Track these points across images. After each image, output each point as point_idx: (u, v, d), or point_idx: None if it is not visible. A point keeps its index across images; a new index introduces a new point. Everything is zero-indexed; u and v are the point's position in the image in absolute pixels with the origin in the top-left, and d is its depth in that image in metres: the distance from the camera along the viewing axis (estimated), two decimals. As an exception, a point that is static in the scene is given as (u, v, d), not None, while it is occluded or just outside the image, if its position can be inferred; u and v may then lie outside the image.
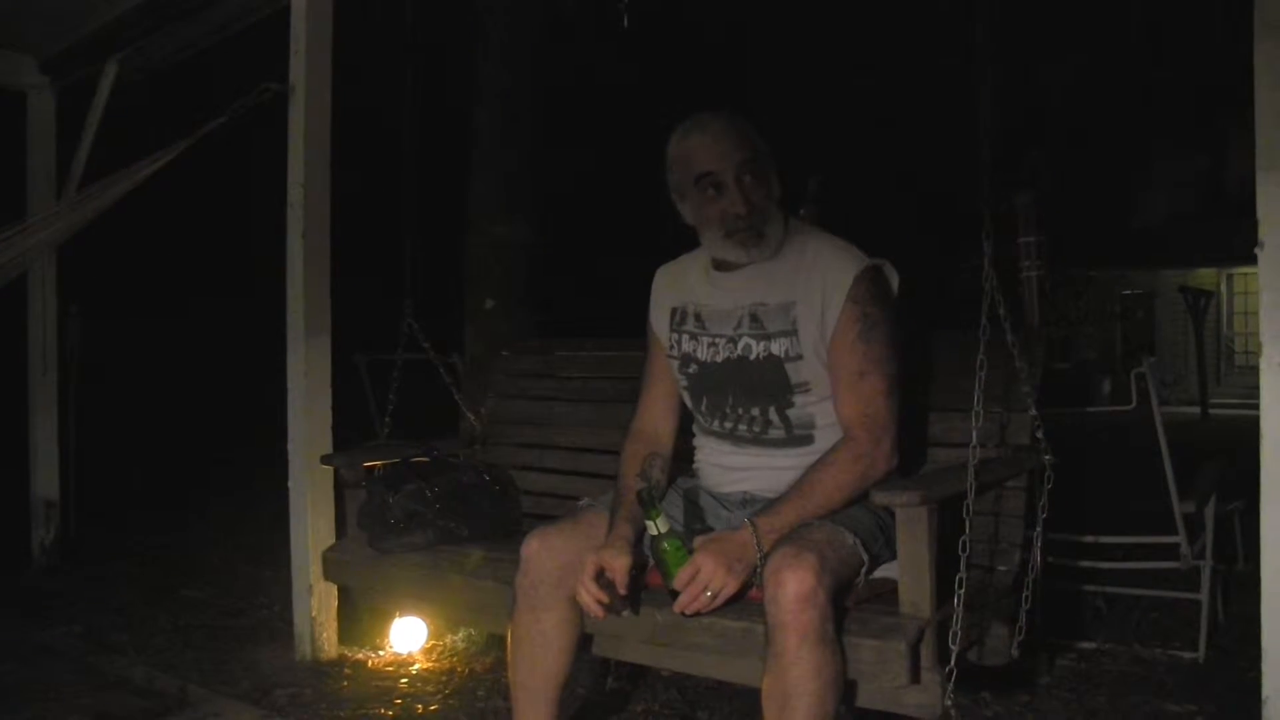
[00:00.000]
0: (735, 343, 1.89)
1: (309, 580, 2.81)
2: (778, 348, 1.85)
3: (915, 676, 1.62)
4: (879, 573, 1.75)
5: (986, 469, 1.76)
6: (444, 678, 2.72)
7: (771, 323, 1.86)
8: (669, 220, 1.98)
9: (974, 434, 1.71)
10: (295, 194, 2.84)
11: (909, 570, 1.65)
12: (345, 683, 2.70)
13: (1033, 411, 1.93)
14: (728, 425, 1.93)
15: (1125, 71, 14.05)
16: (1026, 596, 1.85)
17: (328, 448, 2.82)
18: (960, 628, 1.63)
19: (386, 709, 2.52)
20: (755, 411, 1.88)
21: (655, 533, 1.66)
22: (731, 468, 1.94)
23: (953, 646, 1.63)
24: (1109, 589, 3.19)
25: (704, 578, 1.63)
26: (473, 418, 2.84)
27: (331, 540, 2.74)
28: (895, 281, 1.88)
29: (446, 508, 2.35)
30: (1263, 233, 1.54)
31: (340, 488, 2.62)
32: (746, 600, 1.68)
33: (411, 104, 2.96)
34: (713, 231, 1.87)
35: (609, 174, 8.98)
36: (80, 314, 4.55)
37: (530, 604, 1.85)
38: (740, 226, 1.83)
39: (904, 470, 1.86)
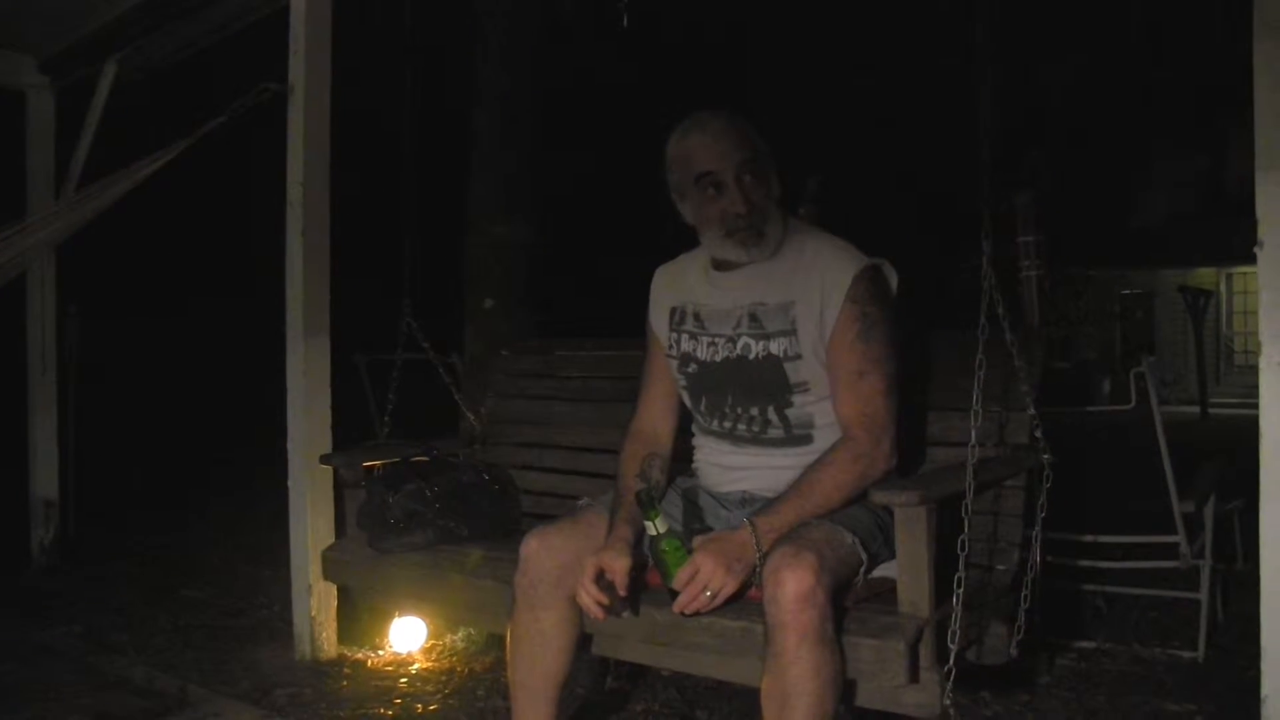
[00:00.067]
0: (734, 342, 1.89)
1: (308, 580, 2.81)
2: (777, 347, 1.85)
3: (914, 676, 1.62)
4: (878, 572, 1.75)
5: (985, 468, 1.76)
6: (444, 677, 2.72)
7: (770, 322, 1.86)
8: (669, 220, 1.98)
9: (973, 433, 1.71)
10: (295, 193, 2.84)
11: (908, 569, 1.65)
12: (345, 682, 2.70)
13: (1032, 411, 1.93)
14: (727, 425, 1.93)
15: (1125, 71, 14.05)
16: (1025, 596, 1.85)
17: (327, 447, 2.82)
18: (959, 627, 1.63)
19: (386, 709, 2.52)
20: (754, 411, 1.88)
21: (654, 533, 1.66)
22: (730, 467, 1.94)
23: (951, 646, 1.63)
24: (1108, 588, 3.19)
25: (703, 577, 1.63)
26: (472, 417, 2.84)
27: (331, 540, 2.74)
28: (894, 281, 1.88)
29: (446, 507, 2.36)
30: (1262, 232, 1.54)
31: (340, 487, 2.62)
32: (746, 600, 1.68)
33: (411, 105, 2.96)
34: (712, 231, 1.87)
35: (609, 174, 8.98)
36: (79, 314, 4.55)
37: (529, 603, 1.85)
38: (740, 226, 1.83)
39: (903, 470, 1.86)
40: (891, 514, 1.68)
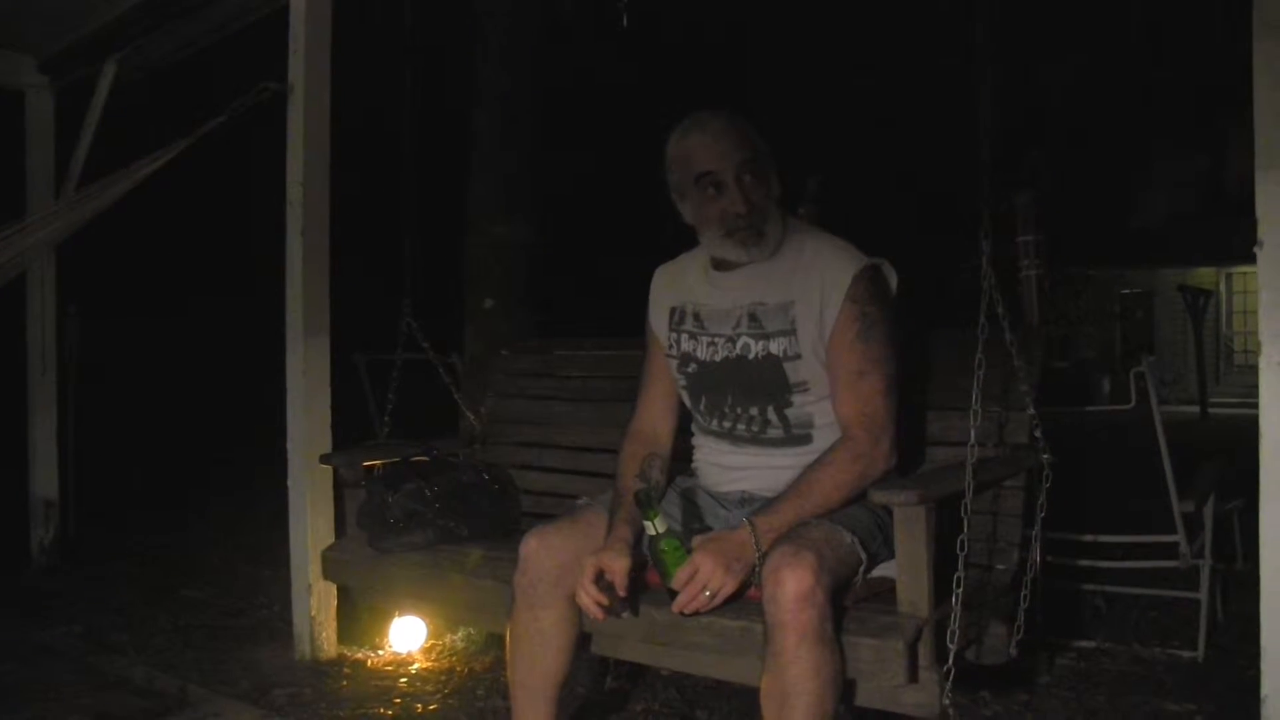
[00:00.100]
0: (734, 342, 1.89)
1: (308, 580, 2.81)
2: (776, 347, 1.85)
3: (913, 675, 1.62)
4: (877, 571, 1.75)
5: (985, 468, 1.76)
6: (443, 677, 2.72)
7: (770, 322, 1.86)
8: (669, 220, 1.98)
9: (972, 433, 1.71)
10: (294, 193, 2.84)
11: (907, 569, 1.65)
12: (345, 682, 2.70)
13: (1031, 410, 1.93)
14: (726, 424, 1.93)
15: (1125, 71, 14.06)
16: (1025, 595, 1.85)
17: (327, 447, 2.82)
18: (958, 627, 1.63)
19: (386, 708, 2.52)
20: (754, 411, 1.88)
21: (653, 533, 1.66)
22: (730, 467, 1.94)
23: (951, 646, 1.63)
24: (1108, 588, 3.19)
25: (702, 577, 1.63)
26: (472, 417, 2.84)
27: (331, 540, 2.74)
28: (894, 281, 1.88)
29: (446, 507, 2.36)
30: (1262, 232, 1.53)
31: (339, 487, 2.62)
32: (745, 599, 1.68)
33: (411, 105, 2.96)
34: (712, 231, 1.87)
35: (609, 174, 8.98)
36: (79, 314, 4.55)
37: (529, 602, 1.85)
38: (740, 226, 1.83)
39: (902, 469, 1.86)
40: (891, 513, 1.68)
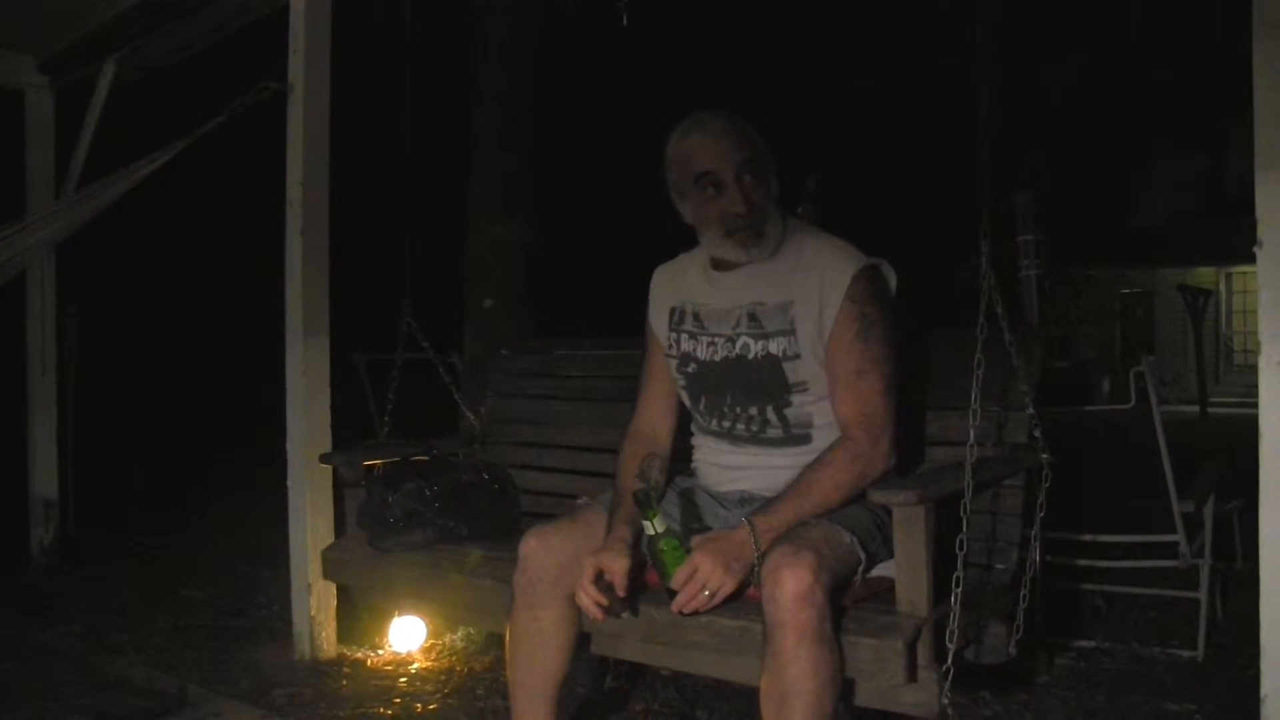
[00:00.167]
0: (734, 342, 1.89)
1: (308, 579, 2.81)
2: (776, 347, 1.85)
3: (912, 675, 1.62)
4: (876, 571, 1.75)
5: (984, 468, 1.76)
6: (443, 677, 2.72)
7: (770, 322, 1.86)
8: (668, 220, 1.98)
9: (971, 433, 1.71)
10: (294, 193, 2.84)
11: (906, 569, 1.65)
12: (344, 682, 2.70)
13: (1030, 410, 1.93)
14: (726, 424, 1.93)
15: (1125, 71, 14.06)
16: (1024, 595, 1.85)
17: (327, 447, 2.82)
18: (957, 626, 1.63)
19: (385, 708, 2.52)
20: (753, 410, 1.88)
21: (652, 532, 1.66)
22: (729, 467, 1.94)
23: (950, 645, 1.63)
24: (1108, 588, 3.19)
25: (701, 577, 1.63)
26: (472, 417, 2.85)
27: (330, 539, 2.74)
28: (893, 281, 1.88)
29: (446, 506, 2.36)
30: (1261, 231, 1.54)
31: (339, 487, 2.62)
32: (744, 599, 1.68)
33: (411, 105, 2.96)
34: (712, 231, 1.87)
35: (609, 174, 8.98)
36: (79, 314, 4.55)
37: (528, 602, 1.85)
38: (740, 225, 1.83)
39: (901, 469, 1.86)
40: (890, 513, 1.68)
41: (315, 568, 2.73)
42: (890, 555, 1.72)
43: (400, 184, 2.93)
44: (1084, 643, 2.84)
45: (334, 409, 2.89)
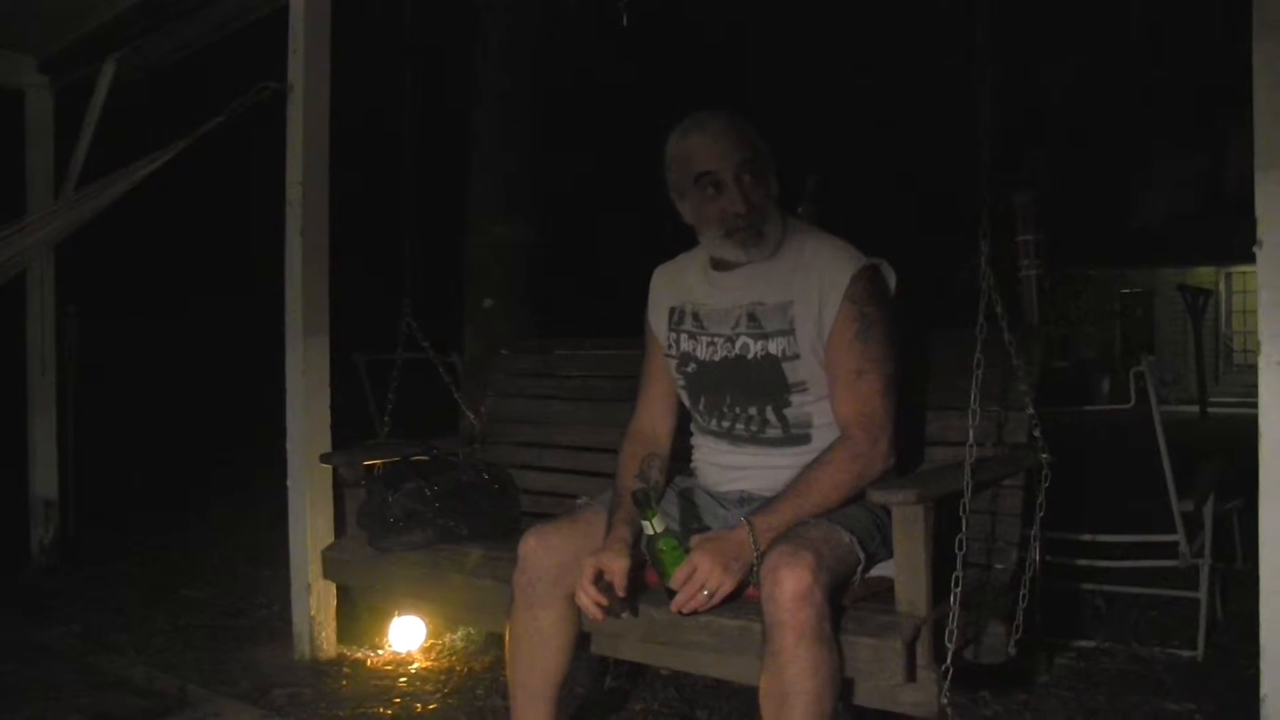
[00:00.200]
0: (733, 342, 1.89)
1: (308, 579, 2.81)
2: (775, 347, 1.85)
3: (911, 675, 1.62)
4: (875, 571, 1.75)
5: (983, 467, 1.76)
6: (443, 677, 2.72)
7: (769, 322, 1.86)
8: (668, 220, 1.98)
9: (971, 432, 1.71)
10: (294, 193, 2.84)
11: (905, 569, 1.65)
12: (344, 682, 2.70)
13: (1030, 410, 1.93)
14: (725, 424, 1.93)
15: (1125, 71, 14.06)
16: (1024, 595, 1.85)
17: (326, 447, 2.82)
18: (957, 626, 1.63)
19: (385, 708, 2.52)
20: (752, 410, 1.88)
21: (651, 533, 1.66)
22: (729, 467, 1.94)
23: (949, 645, 1.63)
24: (1107, 587, 3.19)
25: (700, 577, 1.63)
26: (472, 417, 2.85)
27: (330, 539, 2.74)
28: (893, 280, 1.88)
29: (446, 506, 2.36)
30: (1261, 231, 1.54)
31: (339, 487, 2.62)
32: (743, 599, 1.68)
33: (411, 104, 2.96)
34: (712, 231, 1.87)
35: (609, 174, 8.99)
36: (78, 313, 4.55)
37: (528, 602, 1.85)
38: (740, 225, 1.83)
39: (901, 469, 1.86)
40: (889, 513, 1.68)
41: (315, 568, 2.73)
42: (890, 555, 1.72)
43: (400, 184, 2.93)
44: (1084, 642, 2.84)
45: (334, 409, 2.89)
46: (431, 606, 2.55)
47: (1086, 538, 3.19)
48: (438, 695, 2.59)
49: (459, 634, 2.95)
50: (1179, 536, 2.76)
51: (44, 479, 4.16)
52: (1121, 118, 14.77)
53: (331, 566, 2.55)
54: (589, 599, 1.72)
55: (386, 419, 2.86)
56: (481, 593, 2.16)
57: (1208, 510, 2.82)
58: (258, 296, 4.34)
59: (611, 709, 2.46)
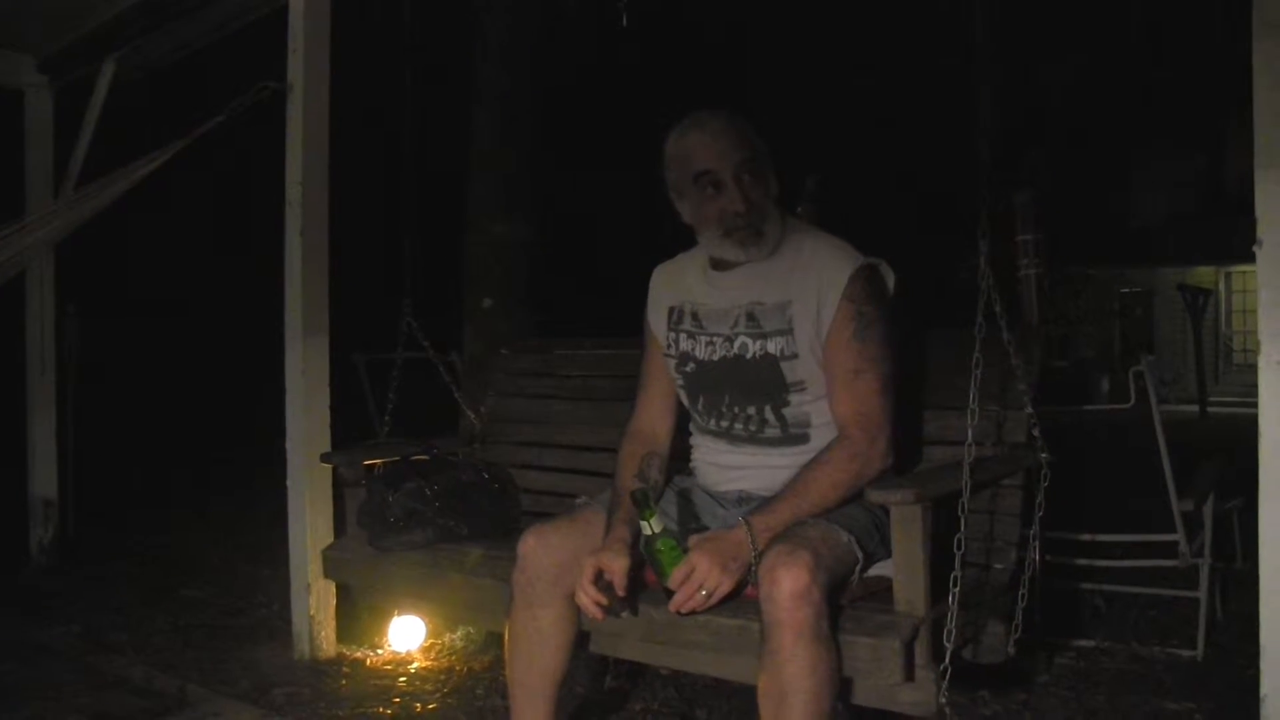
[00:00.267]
0: (732, 341, 1.89)
1: (307, 579, 2.81)
2: (774, 347, 1.85)
3: (910, 674, 1.62)
4: (874, 570, 1.75)
5: (982, 467, 1.76)
6: (442, 676, 2.72)
7: (768, 322, 1.86)
8: (667, 219, 1.98)
9: (969, 432, 1.71)
10: (293, 193, 2.84)
11: (904, 568, 1.65)
12: (344, 681, 2.70)
13: (1029, 409, 1.93)
14: (724, 424, 1.93)
15: (1125, 71, 14.07)
16: (1023, 594, 1.85)
17: (326, 446, 2.82)
18: (955, 626, 1.63)
19: (385, 707, 2.52)
20: (751, 410, 1.88)
21: (649, 533, 1.66)
22: (728, 466, 1.94)
23: (947, 645, 1.63)
24: (1107, 587, 3.19)
25: (699, 576, 1.63)
26: (472, 416, 2.85)
27: (330, 539, 2.74)
28: (891, 280, 1.88)
29: (446, 506, 2.36)
30: (1261, 231, 1.53)
31: (339, 486, 2.62)
32: (742, 598, 1.68)
33: (411, 104, 2.96)
34: (711, 230, 1.87)
35: (609, 174, 8.99)
36: (78, 313, 4.55)
37: (527, 601, 1.85)
38: (739, 225, 1.83)
39: (900, 468, 1.86)
40: (888, 512, 1.68)
41: (315, 567, 2.73)
42: (888, 554, 1.72)
43: (400, 184, 2.93)
44: (1083, 642, 2.84)
45: (333, 409, 2.89)
46: (431, 606, 2.55)
47: (1086, 537, 3.19)
48: (437, 695, 2.59)
49: (459, 633, 2.95)
50: (1179, 536, 2.76)
51: (43, 479, 4.16)
52: (1121, 118, 14.78)
53: (331, 566, 2.55)
54: (589, 598, 1.72)
55: (386, 419, 2.86)
56: (481, 592, 2.16)
57: (1207, 510, 2.81)
58: (258, 296, 4.34)
59: (611, 708, 2.46)
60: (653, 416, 2.03)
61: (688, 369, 1.95)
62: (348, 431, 3.02)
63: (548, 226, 3.54)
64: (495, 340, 3.10)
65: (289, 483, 2.86)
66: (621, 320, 2.54)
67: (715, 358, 1.91)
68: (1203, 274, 15.71)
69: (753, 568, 1.65)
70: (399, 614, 2.87)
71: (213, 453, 7.03)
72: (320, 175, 2.87)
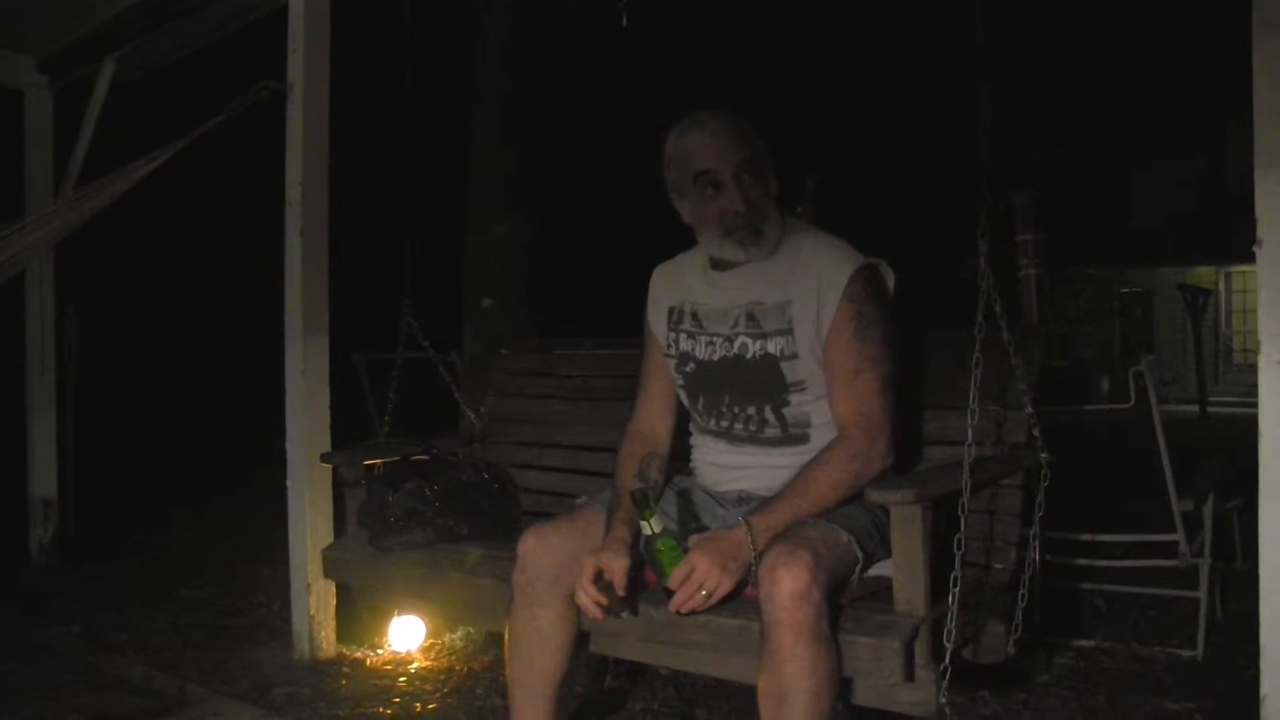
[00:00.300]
0: (732, 341, 1.89)
1: (307, 579, 2.81)
2: (774, 346, 1.85)
3: (910, 674, 1.62)
4: (874, 570, 1.75)
5: (982, 467, 1.76)
6: (442, 676, 2.72)
7: (768, 321, 1.86)
8: (667, 219, 1.98)
9: (969, 432, 1.71)
10: (293, 193, 2.84)
11: (904, 568, 1.65)
12: (343, 681, 2.70)
13: (1029, 409, 1.93)
14: (724, 424, 1.93)
15: (1125, 71, 14.07)
16: (1023, 594, 1.85)
17: (326, 446, 2.82)
18: (955, 626, 1.63)
19: (385, 707, 2.52)
20: (751, 410, 1.88)
21: (649, 533, 1.66)
22: (728, 466, 1.94)
23: (947, 644, 1.63)
24: (1107, 587, 3.19)
25: (699, 577, 1.63)
26: (472, 416, 2.85)
27: (330, 539, 2.74)
28: (891, 280, 1.88)
29: (446, 506, 2.36)
30: (1261, 230, 1.54)
31: (339, 486, 2.62)
32: (742, 598, 1.68)
33: (411, 104, 2.96)
34: (711, 230, 1.87)
35: (609, 173, 8.99)
36: (78, 313, 4.55)
37: (527, 600, 1.85)
38: (739, 225, 1.83)
39: (900, 468, 1.86)
40: (888, 512, 1.68)
41: (315, 567, 2.73)
42: (888, 554, 1.72)
43: (400, 184, 2.93)
44: (1083, 642, 2.84)
45: (333, 409, 2.89)
46: (431, 606, 2.55)
47: (1086, 537, 3.19)
48: (437, 695, 2.59)
49: (458, 633, 2.95)
50: (1179, 536, 2.76)
51: (43, 479, 4.16)
52: (1121, 118, 14.78)
53: (332, 566, 2.55)
54: (589, 598, 1.72)
55: (386, 419, 2.86)
56: (481, 592, 2.16)
57: (1207, 510, 2.81)
58: (258, 296, 4.34)
59: (611, 708, 2.46)
60: (653, 416, 2.03)
61: (688, 369, 1.95)
62: (348, 431, 3.02)
63: (548, 226, 3.54)
64: (495, 340, 3.09)
65: (289, 483, 2.86)
66: (621, 320, 2.54)
67: (715, 358, 1.91)
68: (1203, 274, 15.71)
69: (753, 568, 1.64)
70: (399, 614, 2.87)
71: (213, 453, 7.02)
72: (320, 175, 2.87)
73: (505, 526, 2.42)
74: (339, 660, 2.85)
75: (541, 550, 1.84)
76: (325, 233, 2.89)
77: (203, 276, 9.60)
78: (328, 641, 2.87)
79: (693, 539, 1.71)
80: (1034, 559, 1.90)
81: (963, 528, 1.67)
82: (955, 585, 1.64)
